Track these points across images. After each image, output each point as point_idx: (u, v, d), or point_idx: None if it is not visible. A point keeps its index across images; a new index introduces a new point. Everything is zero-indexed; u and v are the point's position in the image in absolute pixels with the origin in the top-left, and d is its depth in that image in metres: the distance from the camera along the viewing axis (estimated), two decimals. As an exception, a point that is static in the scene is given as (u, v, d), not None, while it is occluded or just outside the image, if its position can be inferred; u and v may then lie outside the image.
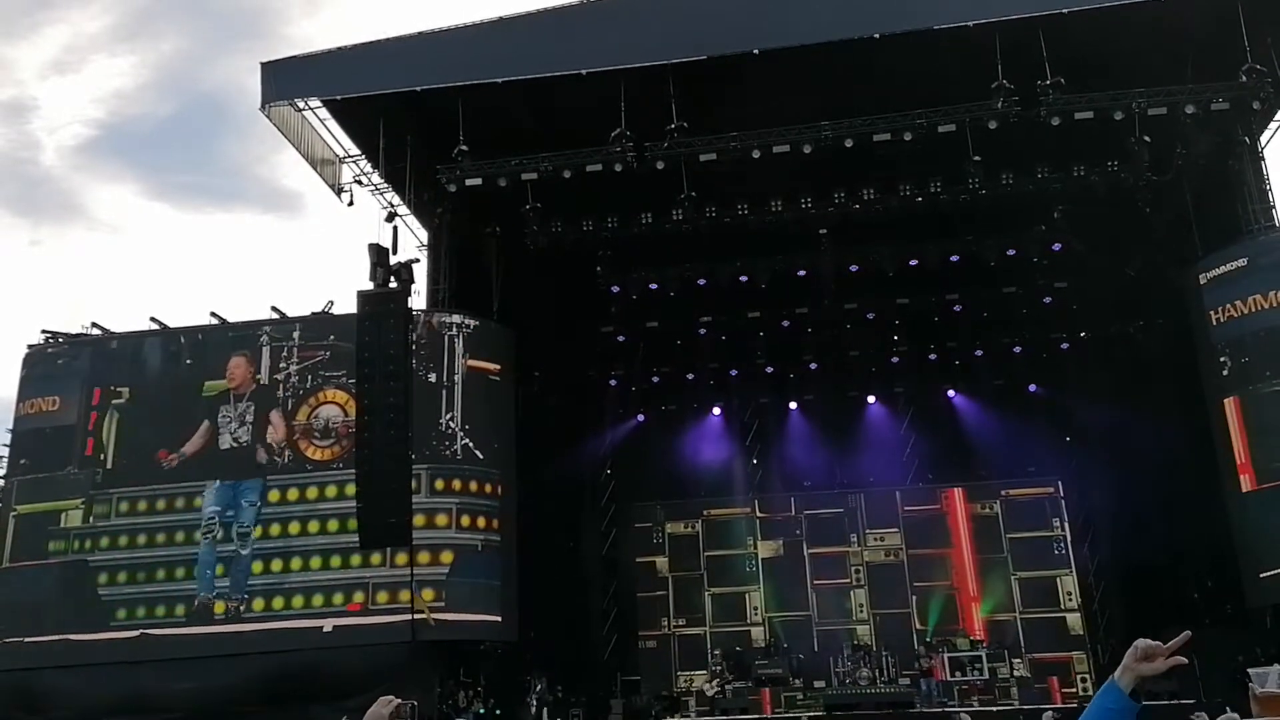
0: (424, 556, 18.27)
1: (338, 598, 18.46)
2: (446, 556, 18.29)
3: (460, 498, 18.59)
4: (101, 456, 19.80)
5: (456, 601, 18.26)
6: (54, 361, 20.67)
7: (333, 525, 18.75)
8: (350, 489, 18.49)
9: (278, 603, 18.55)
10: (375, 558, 18.39)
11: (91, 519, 19.36)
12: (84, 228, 46.26)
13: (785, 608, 24.21)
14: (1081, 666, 22.48)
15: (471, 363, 19.40)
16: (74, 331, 21.12)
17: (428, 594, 18.19)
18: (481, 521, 18.77)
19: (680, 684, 23.17)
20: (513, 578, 19.26)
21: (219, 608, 18.70)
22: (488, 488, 19.00)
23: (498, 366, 19.79)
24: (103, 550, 19.20)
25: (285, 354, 19.78)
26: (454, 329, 19.37)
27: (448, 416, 18.97)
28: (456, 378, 19.19)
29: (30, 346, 20.94)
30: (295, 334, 19.96)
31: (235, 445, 19.50)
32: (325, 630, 18.21)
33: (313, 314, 20.36)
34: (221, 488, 19.28)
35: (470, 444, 19.02)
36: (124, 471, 19.64)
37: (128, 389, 20.16)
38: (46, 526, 19.48)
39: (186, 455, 19.58)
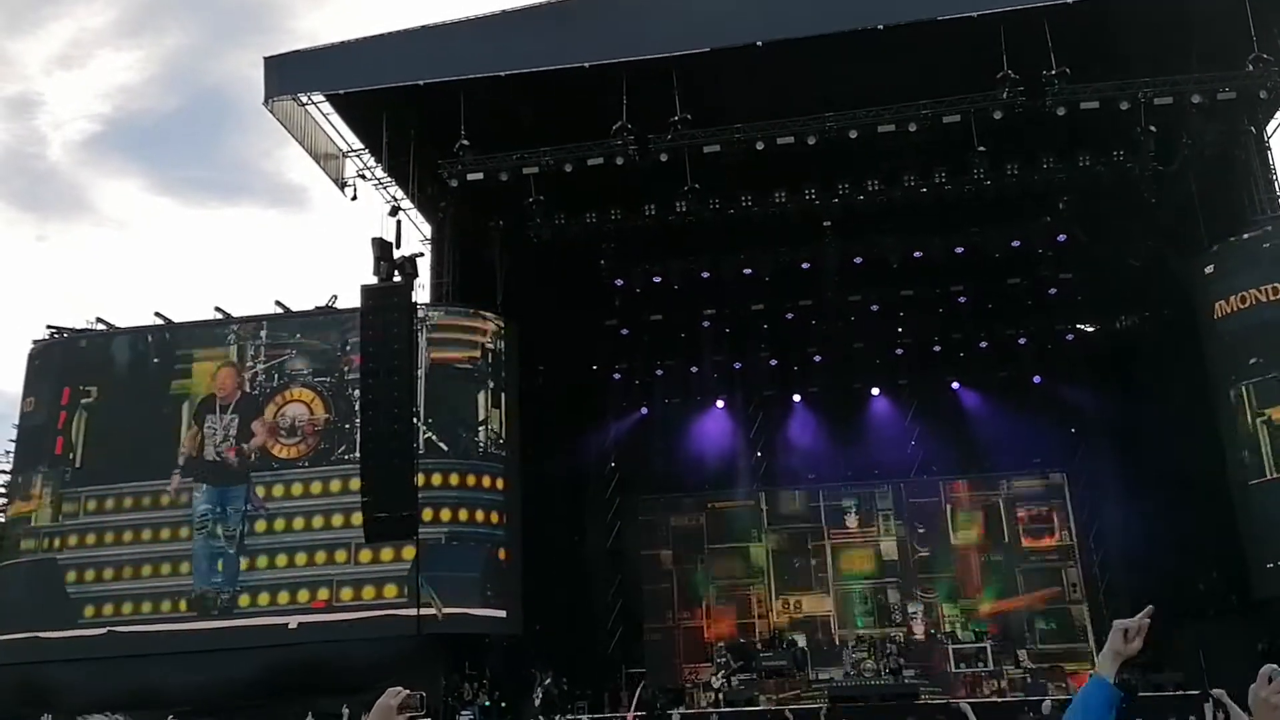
0: (387, 554, 18.38)
1: (323, 592, 18.60)
2: (409, 552, 18.27)
3: (423, 492, 18.38)
4: (71, 455, 19.91)
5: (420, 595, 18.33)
6: (33, 362, 20.87)
7: (317, 521, 18.91)
8: (316, 487, 18.85)
9: (263, 599, 18.68)
10: (364, 554, 18.48)
11: (60, 517, 19.49)
12: (90, 223, 46.37)
13: (790, 599, 24.23)
14: (1086, 657, 22.46)
15: (435, 355, 19.35)
16: (79, 326, 21.19)
17: (390, 589, 18.33)
18: (446, 514, 18.76)
19: (685, 676, 23.18)
20: (517, 571, 19.28)
21: (205, 603, 18.85)
22: (454, 479, 18.97)
23: (470, 355, 19.67)
24: (71, 548, 19.33)
25: (252, 353, 19.85)
26: (417, 323, 19.19)
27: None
28: (420, 371, 19.02)
29: (35, 342, 20.99)
30: (262, 333, 20.05)
31: (218, 458, 19.68)
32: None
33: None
34: (209, 490, 19.46)
35: (433, 437, 18.98)
36: (92, 470, 19.77)
37: (95, 388, 20.28)
38: (20, 525, 19.74)
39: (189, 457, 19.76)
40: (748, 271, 21.83)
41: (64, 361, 20.75)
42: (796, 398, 24.79)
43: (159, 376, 20.19)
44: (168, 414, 19.88)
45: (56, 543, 19.38)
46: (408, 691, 3.20)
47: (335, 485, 18.84)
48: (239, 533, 19.13)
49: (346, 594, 18.50)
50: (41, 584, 19.18)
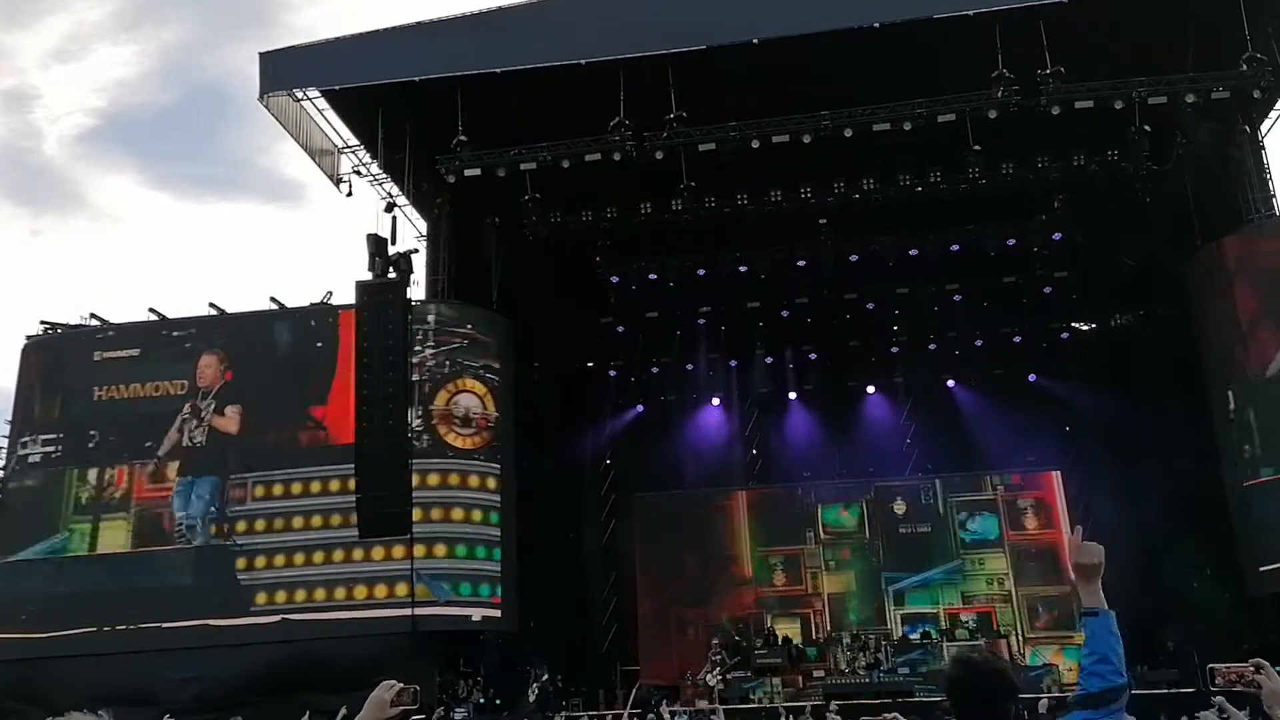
0: (378, 552, 18.51)
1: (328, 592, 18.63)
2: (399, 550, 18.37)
3: (418, 491, 18.24)
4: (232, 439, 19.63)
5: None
6: (180, 344, 20.36)
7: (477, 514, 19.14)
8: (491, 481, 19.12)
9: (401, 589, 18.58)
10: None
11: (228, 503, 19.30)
12: (85, 218, 46.17)
13: (784, 597, 24.25)
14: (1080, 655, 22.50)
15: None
16: (73, 322, 21.14)
17: (380, 590, 18.49)
18: (438, 513, 18.83)
19: (680, 674, 23.15)
20: (512, 568, 19.29)
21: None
22: (454, 479, 19.12)
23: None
24: (240, 534, 19.09)
25: (421, 336, 19.47)
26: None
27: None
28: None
29: (29, 338, 20.93)
30: (430, 317, 19.77)
31: (191, 444, 19.64)
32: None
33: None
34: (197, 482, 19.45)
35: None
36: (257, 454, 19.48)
37: (250, 372, 20.02)
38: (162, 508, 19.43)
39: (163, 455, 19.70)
40: (743, 269, 21.83)
41: (224, 340, 20.32)
42: (792, 395, 24.80)
43: (316, 357, 19.85)
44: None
45: (225, 529, 19.18)
46: (401, 685, 3.21)
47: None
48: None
49: (339, 593, 18.55)
50: (211, 571, 18.96)
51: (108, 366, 20.30)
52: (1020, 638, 22.89)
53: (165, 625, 18.57)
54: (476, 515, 19.12)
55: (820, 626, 23.67)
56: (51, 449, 20.04)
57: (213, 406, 19.75)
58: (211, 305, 20.85)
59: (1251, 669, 2.99)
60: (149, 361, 20.24)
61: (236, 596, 18.73)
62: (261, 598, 18.70)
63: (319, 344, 19.89)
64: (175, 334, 20.52)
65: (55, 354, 21.00)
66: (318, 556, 18.71)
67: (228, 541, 19.04)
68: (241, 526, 19.11)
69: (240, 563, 18.91)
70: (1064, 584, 22.71)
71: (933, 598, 23.99)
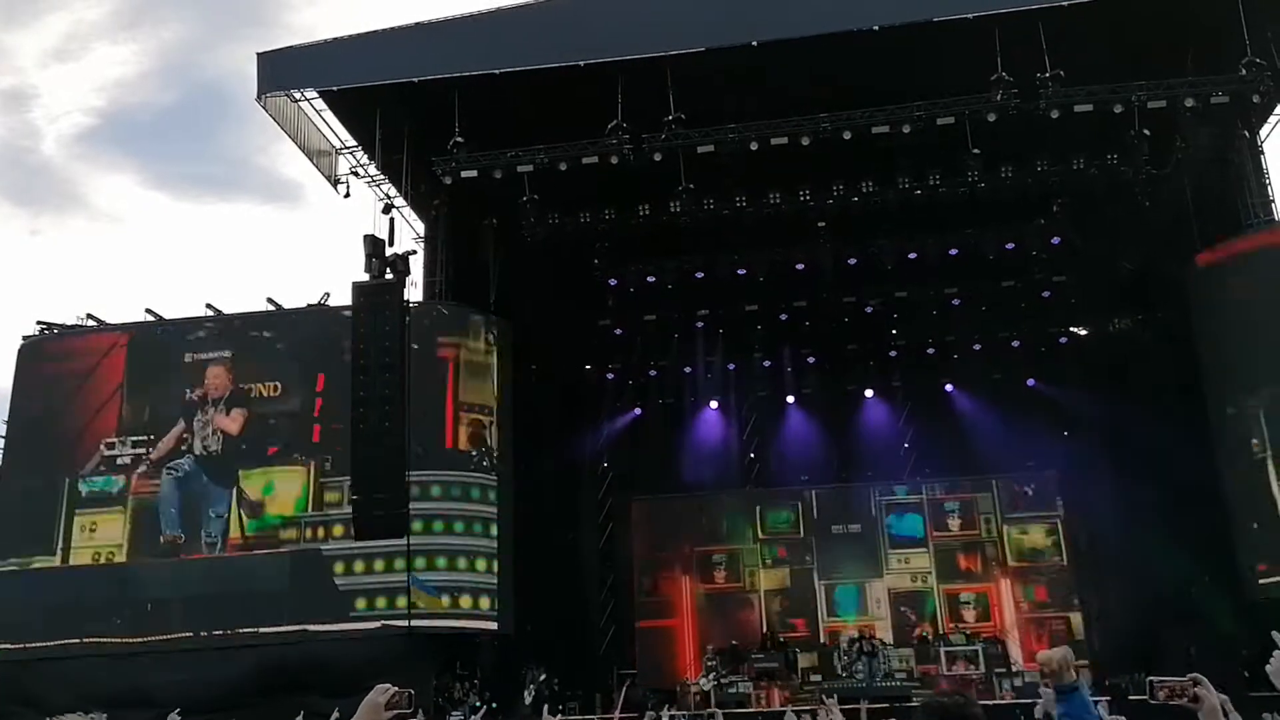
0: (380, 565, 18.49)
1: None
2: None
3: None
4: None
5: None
6: (271, 345, 20.11)
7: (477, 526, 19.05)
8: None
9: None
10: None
11: (324, 507, 18.96)
12: (84, 217, 46.12)
13: (781, 602, 24.20)
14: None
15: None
16: (70, 323, 21.08)
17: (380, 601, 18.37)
18: (440, 525, 18.81)
19: (677, 678, 23.11)
20: (509, 571, 19.23)
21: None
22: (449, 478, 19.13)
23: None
24: (336, 539, 18.78)
25: None
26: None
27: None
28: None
29: (25, 338, 20.87)
30: None
31: (205, 452, 19.54)
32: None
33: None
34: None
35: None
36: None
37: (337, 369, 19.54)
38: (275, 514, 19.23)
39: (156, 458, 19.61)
40: (741, 272, 21.78)
41: (316, 342, 19.91)
42: (790, 399, 24.77)
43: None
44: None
45: (320, 533, 18.89)
46: (395, 689, 3.18)
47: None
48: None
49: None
50: (308, 575, 18.71)
51: (197, 369, 20.05)
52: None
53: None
54: (477, 527, 19.02)
55: (818, 631, 23.65)
56: (142, 450, 19.75)
57: (211, 413, 19.64)
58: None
59: (1190, 683, 3.06)
60: (241, 363, 19.97)
61: (335, 601, 18.44)
62: (361, 603, 18.42)
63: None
64: (265, 334, 20.27)
65: (142, 355, 20.56)
66: (418, 562, 18.49)
67: (322, 546, 18.78)
68: (339, 530, 18.80)
69: (338, 567, 18.61)
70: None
71: (918, 520, 24.33)
